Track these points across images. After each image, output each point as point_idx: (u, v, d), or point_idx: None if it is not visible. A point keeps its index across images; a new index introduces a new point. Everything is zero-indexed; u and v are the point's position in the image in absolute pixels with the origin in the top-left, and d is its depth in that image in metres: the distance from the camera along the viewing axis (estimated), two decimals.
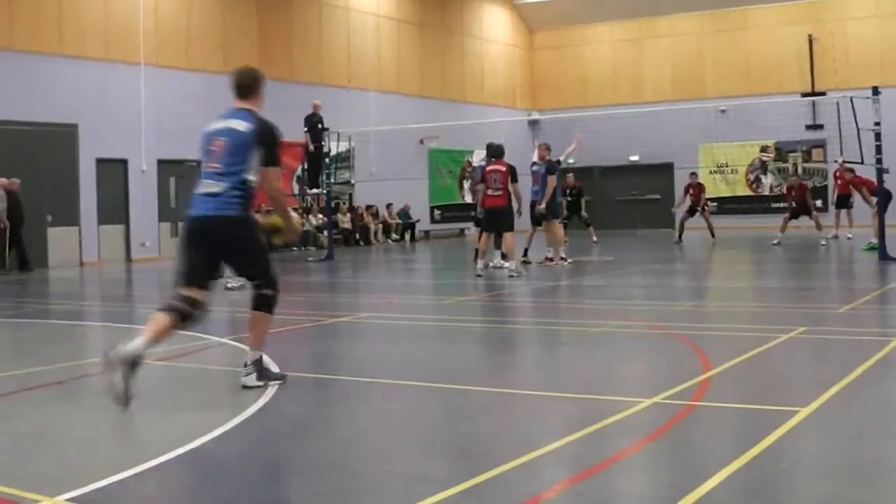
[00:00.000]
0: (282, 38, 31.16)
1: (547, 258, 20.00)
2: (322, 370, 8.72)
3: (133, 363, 6.67)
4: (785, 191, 28.61)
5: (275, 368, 7.86)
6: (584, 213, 27.70)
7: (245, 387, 7.43)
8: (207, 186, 7.46)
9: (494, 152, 18.15)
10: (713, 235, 27.52)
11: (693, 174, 29.59)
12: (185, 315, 7.16)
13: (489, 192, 17.85)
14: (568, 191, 27.43)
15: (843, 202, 26.98)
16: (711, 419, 6.29)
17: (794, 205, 25.56)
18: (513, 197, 17.95)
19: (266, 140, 7.41)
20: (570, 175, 28.06)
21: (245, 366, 7.55)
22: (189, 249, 7.38)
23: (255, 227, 7.64)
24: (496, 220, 17.95)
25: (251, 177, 7.37)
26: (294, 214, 6.74)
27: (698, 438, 5.83)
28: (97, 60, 25.67)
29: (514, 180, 17.85)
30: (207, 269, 7.38)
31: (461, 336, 10.98)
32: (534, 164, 19.96)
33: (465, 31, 39.88)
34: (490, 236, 18.28)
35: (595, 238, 27.35)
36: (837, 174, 27.06)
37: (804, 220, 25.36)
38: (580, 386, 7.53)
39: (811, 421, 5.94)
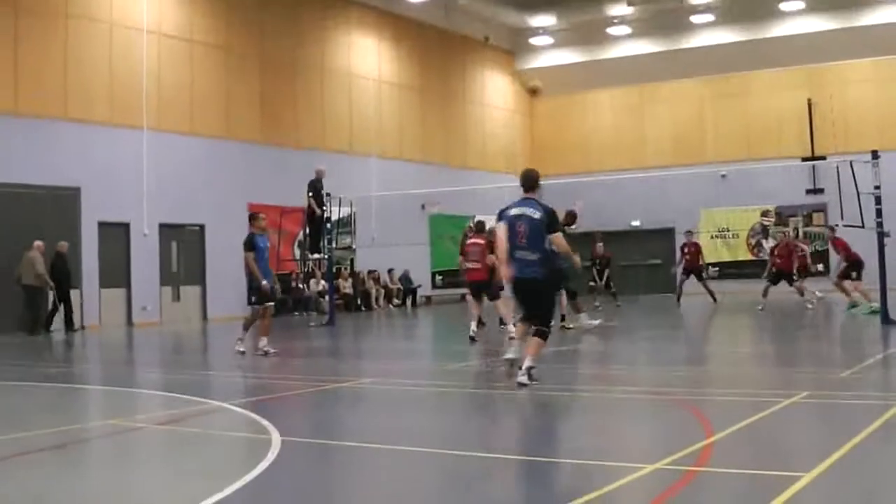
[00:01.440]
0: (284, 103, 31.41)
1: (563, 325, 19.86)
2: (323, 436, 8.67)
3: (513, 362, 11.38)
4: (770, 252, 26.76)
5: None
6: (605, 282, 28.01)
7: (519, 383, 10.66)
8: (523, 255, 11.10)
9: (477, 227, 19.00)
10: (714, 300, 27.49)
11: (688, 232, 29.65)
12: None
13: (468, 265, 18.51)
14: (597, 260, 27.75)
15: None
16: (714, 485, 6.25)
17: (774, 269, 24.93)
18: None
19: (552, 219, 11.12)
20: (600, 245, 28.41)
21: (520, 369, 10.84)
22: (517, 297, 11.53)
23: (553, 285, 12.48)
24: (482, 290, 18.36)
25: (548, 247, 11.04)
26: (575, 258, 13.34)
27: None
28: (101, 125, 25.85)
29: (492, 252, 18.06)
30: (527, 308, 11.38)
31: (462, 402, 10.93)
32: None
33: (466, 96, 40.18)
34: (478, 301, 18.44)
35: (598, 303, 27.28)
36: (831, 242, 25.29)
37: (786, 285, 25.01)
38: (582, 452, 7.48)
39: (814, 487, 5.89)
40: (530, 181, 11.59)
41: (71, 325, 24.12)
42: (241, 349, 15.87)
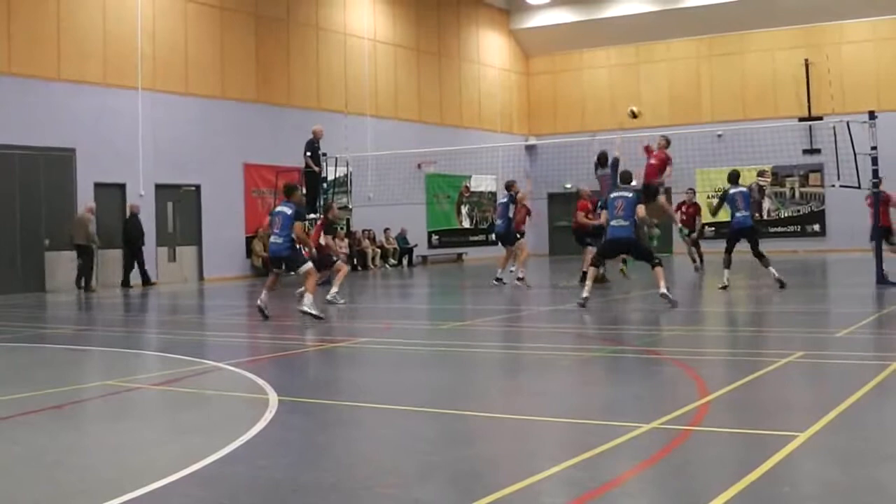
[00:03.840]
0: (279, 63, 31.24)
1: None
2: (320, 395, 8.68)
3: (585, 301, 15.47)
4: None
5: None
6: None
7: (662, 295, 15.23)
8: (619, 222, 15.70)
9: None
10: (696, 262, 26.15)
11: (690, 190, 28.97)
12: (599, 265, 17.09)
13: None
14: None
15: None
16: (709, 444, 6.27)
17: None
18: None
19: (639, 197, 16.00)
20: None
21: (663, 295, 15.20)
22: (605, 246, 16.67)
23: (638, 238, 16.82)
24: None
25: (635, 216, 15.79)
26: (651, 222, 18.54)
27: (696, 463, 5.80)
28: (95, 85, 25.71)
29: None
30: (610, 255, 17.46)
31: (458, 361, 10.95)
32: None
33: (462, 56, 39.98)
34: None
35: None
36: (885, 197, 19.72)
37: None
38: (577, 411, 7.50)
39: (809, 445, 5.92)
40: (627, 178, 16.56)
41: (148, 280, 26.03)
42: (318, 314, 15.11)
